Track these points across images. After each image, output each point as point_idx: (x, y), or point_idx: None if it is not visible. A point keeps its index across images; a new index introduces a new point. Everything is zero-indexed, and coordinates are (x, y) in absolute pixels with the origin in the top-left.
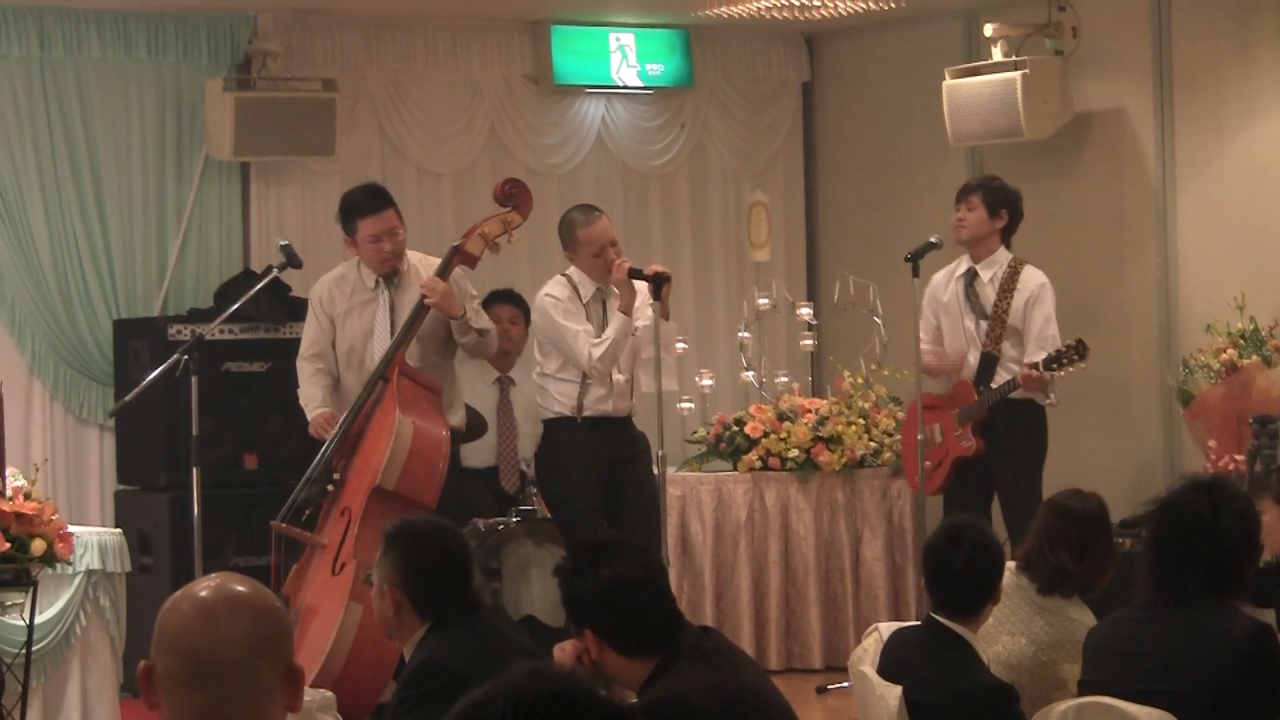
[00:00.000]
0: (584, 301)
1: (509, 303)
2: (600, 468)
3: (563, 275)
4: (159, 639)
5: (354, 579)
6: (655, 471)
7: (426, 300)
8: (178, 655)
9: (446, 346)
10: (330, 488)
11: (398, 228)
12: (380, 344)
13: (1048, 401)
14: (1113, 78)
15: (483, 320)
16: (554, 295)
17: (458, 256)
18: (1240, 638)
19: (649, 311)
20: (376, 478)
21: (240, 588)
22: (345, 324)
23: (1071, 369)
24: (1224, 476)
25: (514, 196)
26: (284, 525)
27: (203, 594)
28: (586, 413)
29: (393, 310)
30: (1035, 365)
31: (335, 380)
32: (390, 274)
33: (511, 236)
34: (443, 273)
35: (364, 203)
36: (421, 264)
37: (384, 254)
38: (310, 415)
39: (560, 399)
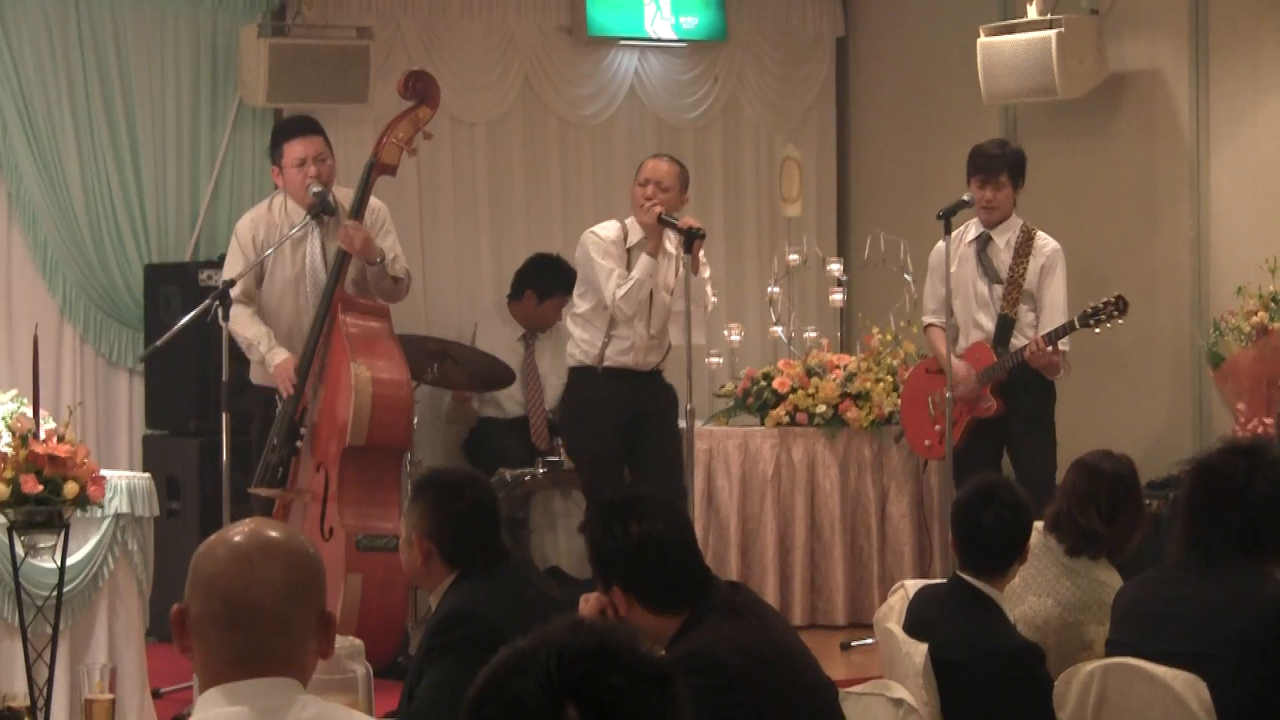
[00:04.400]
0: (628, 246)
1: (566, 293)
2: (618, 418)
3: (619, 221)
4: (194, 582)
5: (346, 546)
6: (683, 425)
7: (346, 248)
8: (213, 599)
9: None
10: (299, 444)
11: (326, 155)
12: (313, 284)
13: (1059, 377)
14: (1148, 37)
15: (398, 268)
16: (598, 234)
17: (376, 170)
18: (1270, 601)
19: (677, 268)
20: (345, 438)
21: (274, 533)
22: (275, 264)
23: (1109, 325)
24: (1262, 440)
25: (420, 91)
26: (262, 490)
27: (237, 539)
28: (606, 363)
29: (324, 248)
30: (1047, 338)
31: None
32: (320, 207)
33: (425, 132)
34: (363, 189)
35: (292, 126)
36: (346, 200)
37: (308, 180)
38: (268, 357)
39: (583, 346)
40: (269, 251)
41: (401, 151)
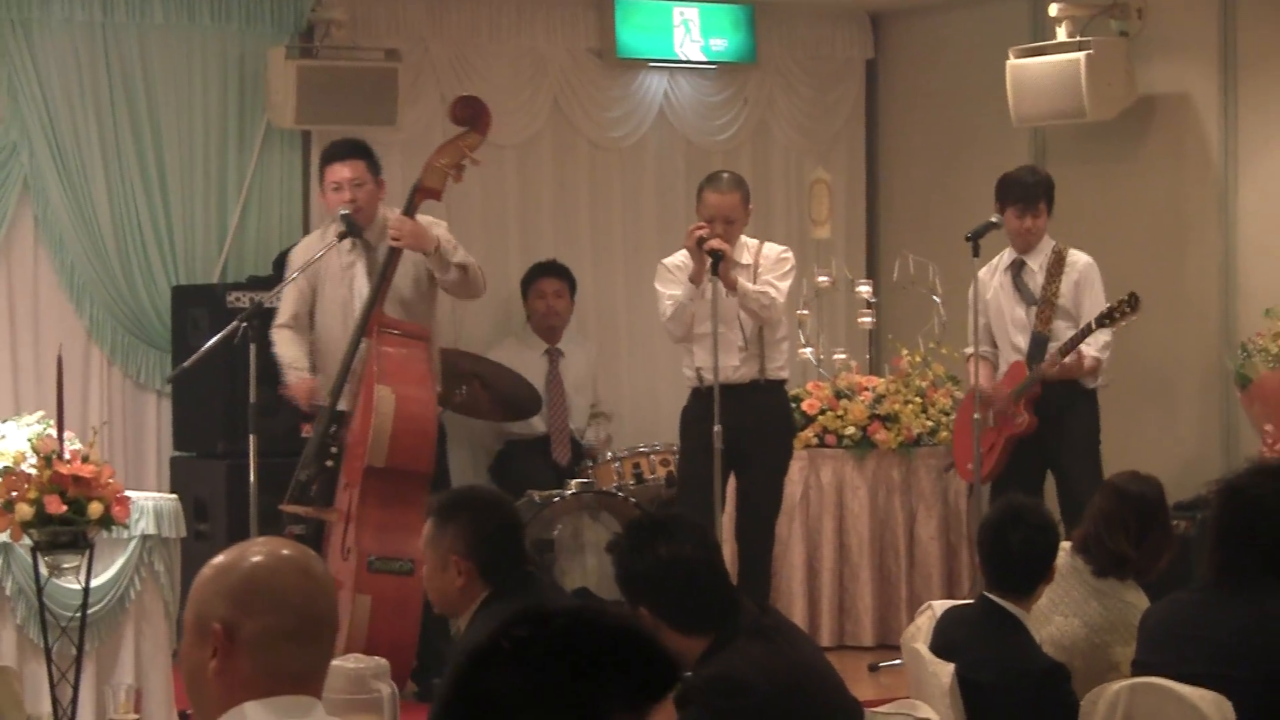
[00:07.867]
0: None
1: (553, 276)
2: (713, 436)
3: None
4: (252, 597)
5: (359, 568)
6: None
7: (395, 241)
8: (285, 612)
9: (425, 303)
10: (329, 463)
11: (365, 180)
12: (361, 309)
13: (1098, 384)
14: (1178, 60)
15: (461, 254)
16: (665, 263)
17: (419, 194)
18: None
19: (754, 277)
20: (365, 458)
21: (294, 548)
22: (324, 289)
23: (1124, 322)
24: None
25: (469, 118)
26: (290, 506)
27: (286, 552)
28: (706, 383)
29: (370, 273)
30: (1061, 349)
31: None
32: (347, 230)
33: (472, 159)
34: (406, 213)
35: (334, 149)
36: None
37: (342, 203)
38: (289, 376)
39: (686, 371)
40: (293, 275)
41: (446, 176)
